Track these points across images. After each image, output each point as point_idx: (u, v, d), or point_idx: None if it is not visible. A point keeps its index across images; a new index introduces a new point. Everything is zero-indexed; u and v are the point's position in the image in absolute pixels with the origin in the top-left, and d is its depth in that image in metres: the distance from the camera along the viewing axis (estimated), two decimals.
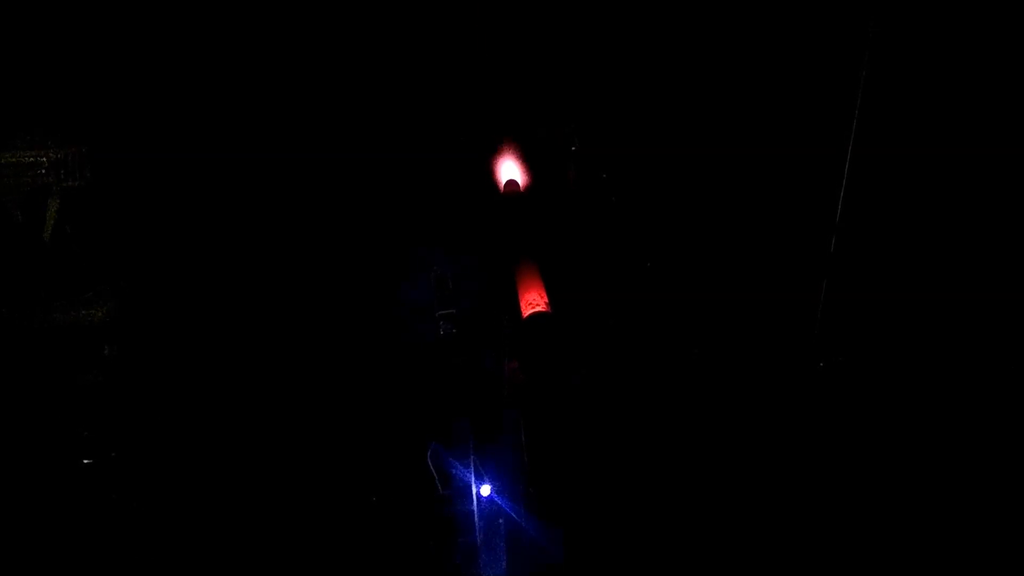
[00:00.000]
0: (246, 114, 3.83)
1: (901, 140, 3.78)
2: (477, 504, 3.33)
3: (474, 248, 3.90)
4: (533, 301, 3.35)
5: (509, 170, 3.98)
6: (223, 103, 3.83)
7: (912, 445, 3.83)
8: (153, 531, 3.64)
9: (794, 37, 3.82)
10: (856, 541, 3.67)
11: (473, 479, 3.34)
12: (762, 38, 3.85)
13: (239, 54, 3.79)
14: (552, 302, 3.35)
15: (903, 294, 3.90)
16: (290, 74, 3.86)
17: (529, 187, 3.97)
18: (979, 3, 3.66)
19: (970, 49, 3.68)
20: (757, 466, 3.86)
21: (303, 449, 3.81)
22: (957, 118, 3.74)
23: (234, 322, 3.95)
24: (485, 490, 3.36)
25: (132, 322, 3.91)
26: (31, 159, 3.71)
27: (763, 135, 3.92)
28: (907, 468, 3.79)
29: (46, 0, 3.66)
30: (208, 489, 3.76)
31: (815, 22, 3.79)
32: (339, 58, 3.86)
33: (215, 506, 3.72)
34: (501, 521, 3.35)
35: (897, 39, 3.69)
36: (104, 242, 3.88)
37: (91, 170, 3.79)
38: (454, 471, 3.38)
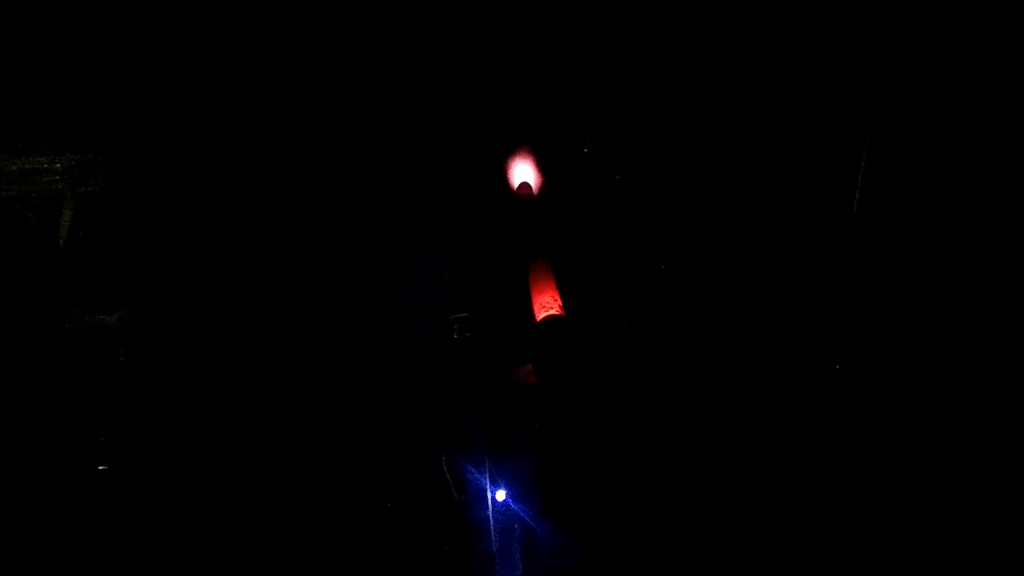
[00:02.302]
0: (255, 116, 3.84)
1: (917, 140, 3.75)
2: (492, 509, 3.32)
3: (481, 249, 3.89)
4: (547, 304, 3.34)
5: (522, 173, 3.97)
6: (232, 106, 3.84)
7: (931, 446, 3.79)
8: (165, 535, 3.65)
9: (808, 34, 3.79)
10: (875, 543, 3.64)
11: (488, 484, 3.34)
12: (774, 35, 3.82)
13: (244, 56, 3.80)
14: (566, 304, 3.33)
15: (920, 294, 3.86)
16: (299, 73, 3.85)
17: (542, 190, 3.95)
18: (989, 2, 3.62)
19: (986, 46, 3.64)
20: (773, 468, 3.83)
21: (317, 454, 3.80)
22: (970, 117, 3.70)
23: (249, 326, 3.95)
24: (500, 495, 3.35)
25: (147, 327, 3.92)
26: (45, 165, 3.74)
27: (775, 134, 3.89)
28: (927, 470, 3.75)
29: (58, 9, 3.68)
30: (221, 493, 3.76)
31: (828, 19, 3.76)
32: (349, 59, 3.85)
33: (228, 510, 3.72)
34: (516, 526, 3.35)
35: (911, 38, 3.66)
36: (119, 247, 3.89)
37: (105, 175, 3.81)
38: (469, 476, 3.37)
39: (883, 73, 3.70)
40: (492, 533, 3.33)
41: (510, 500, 3.36)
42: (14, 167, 3.72)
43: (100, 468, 3.74)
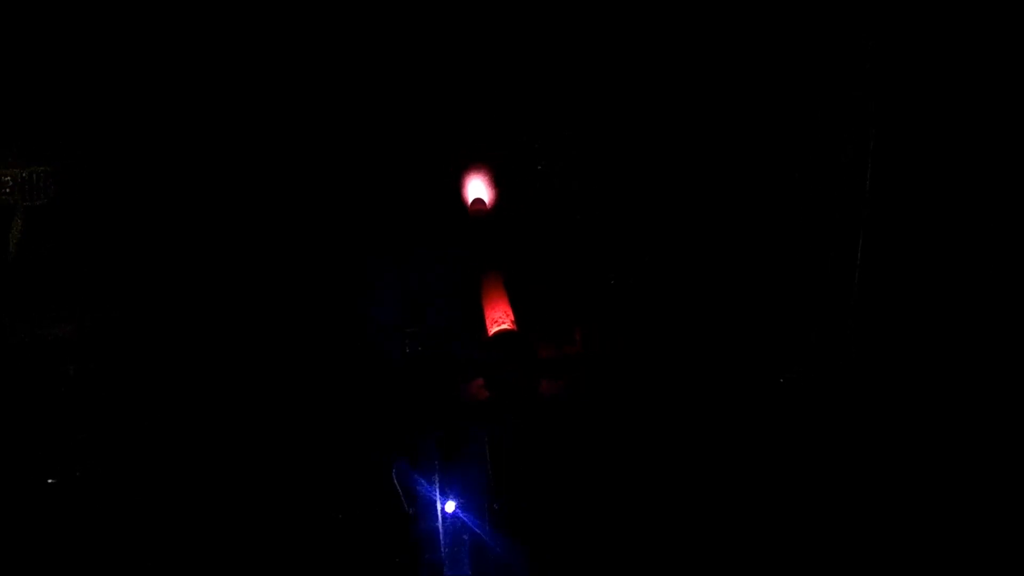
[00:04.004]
0: (209, 127, 3.83)
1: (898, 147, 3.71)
2: (442, 521, 3.36)
3: (445, 258, 3.92)
4: (499, 319, 3.39)
5: (476, 189, 4.02)
6: (185, 118, 3.83)
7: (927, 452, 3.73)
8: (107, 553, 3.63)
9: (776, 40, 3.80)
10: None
11: (438, 496, 3.37)
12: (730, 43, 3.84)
13: (195, 68, 3.80)
14: (518, 319, 3.39)
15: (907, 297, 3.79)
16: (250, 82, 3.84)
17: (495, 205, 4.00)
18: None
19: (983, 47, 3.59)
20: (729, 481, 3.83)
21: (265, 466, 3.79)
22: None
23: (205, 336, 3.94)
24: (450, 506, 3.39)
25: (99, 340, 3.89)
26: None
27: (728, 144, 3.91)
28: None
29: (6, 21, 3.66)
30: (168, 506, 3.74)
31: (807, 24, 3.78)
32: (307, 59, 3.85)
33: (175, 524, 3.70)
34: (466, 538, 3.38)
35: (896, 47, 3.65)
36: (70, 260, 3.87)
37: (56, 188, 3.79)
38: (419, 488, 3.40)
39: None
40: (441, 545, 3.36)
41: (460, 511, 3.40)
42: None
43: (49, 481, 3.71)
